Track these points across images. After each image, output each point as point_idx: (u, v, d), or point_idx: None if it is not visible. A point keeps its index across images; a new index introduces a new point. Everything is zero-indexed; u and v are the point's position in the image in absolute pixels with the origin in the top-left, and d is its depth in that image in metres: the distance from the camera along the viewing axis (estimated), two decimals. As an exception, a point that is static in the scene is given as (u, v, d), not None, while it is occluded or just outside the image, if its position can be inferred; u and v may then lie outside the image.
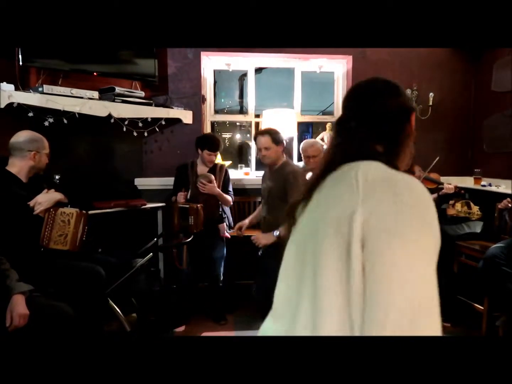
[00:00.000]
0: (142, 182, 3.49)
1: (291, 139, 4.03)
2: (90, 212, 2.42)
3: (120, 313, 2.54)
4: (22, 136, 2.17)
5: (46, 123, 2.62)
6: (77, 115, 2.71)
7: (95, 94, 2.84)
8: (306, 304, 0.75)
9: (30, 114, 2.49)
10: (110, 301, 2.47)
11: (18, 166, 2.15)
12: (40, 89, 2.58)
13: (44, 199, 2.11)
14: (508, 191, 3.10)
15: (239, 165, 4.00)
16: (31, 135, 2.20)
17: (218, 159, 3.38)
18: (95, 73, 2.98)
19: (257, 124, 3.94)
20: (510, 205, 2.73)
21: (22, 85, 2.66)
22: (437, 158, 3.28)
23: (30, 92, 2.56)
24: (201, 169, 3.12)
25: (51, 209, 2.12)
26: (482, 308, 2.79)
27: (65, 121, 2.68)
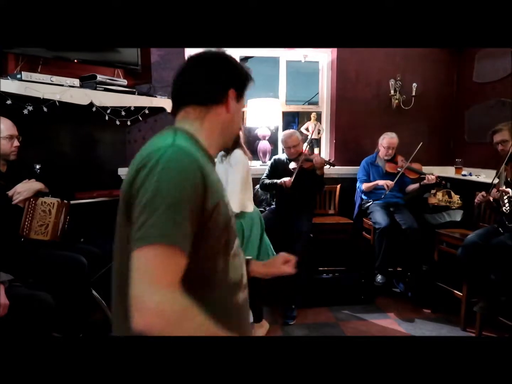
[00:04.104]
0: (125, 172, 3.43)
1: (276, 129, 4.04)
2: (72, 202, 2.39)
3: (104, 303, 2.53)
4: None
5: (26, 111, 2.56)
6: (57, 103, 2.65)
7: (76, 82, 2.78)
8: None
9: (9, 102, 2.43)
10: (93, 291, 2.47)
11: None
12: (18, 76, 2.50)
13: (24, 188, 2.08)
14: (488, 181, 3.17)
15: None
16: None
17: None
18: (75, 60, 2.91)
19: (242, 113, 3.92)
20: (484, 197, 2.75)
21: (0, 72, 2.59)
22: (421, 143, 3.33)
23: (8, 79, 2.49)
24: None
25: (31, 199, 2.09)
26: (461, 294, 2.87)
27: (45, 109, 2.63)
